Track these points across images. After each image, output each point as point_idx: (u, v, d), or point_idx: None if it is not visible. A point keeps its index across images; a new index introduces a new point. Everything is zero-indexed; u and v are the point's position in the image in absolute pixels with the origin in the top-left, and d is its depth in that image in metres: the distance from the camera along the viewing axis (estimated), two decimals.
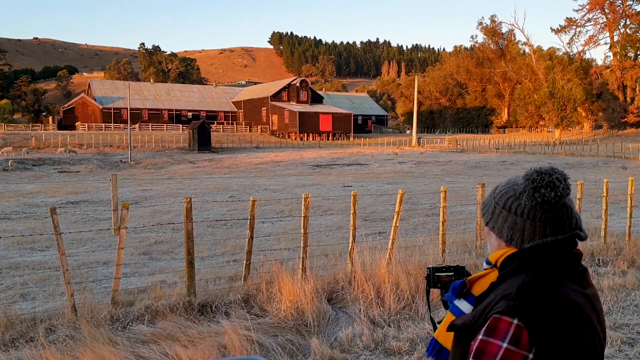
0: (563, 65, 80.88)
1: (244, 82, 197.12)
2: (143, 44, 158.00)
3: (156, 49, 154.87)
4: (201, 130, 57.57)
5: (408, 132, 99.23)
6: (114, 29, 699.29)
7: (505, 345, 1.19)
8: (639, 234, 9.67)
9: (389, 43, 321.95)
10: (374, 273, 6.23)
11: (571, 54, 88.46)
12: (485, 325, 1.24)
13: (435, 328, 1.74)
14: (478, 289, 1.45)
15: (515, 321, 1.21)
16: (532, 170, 1.38)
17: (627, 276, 6.95)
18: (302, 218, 6.87)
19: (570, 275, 1.34)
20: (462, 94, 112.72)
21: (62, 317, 5.46)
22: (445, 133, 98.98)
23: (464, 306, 1.44)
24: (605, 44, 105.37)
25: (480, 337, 1.24)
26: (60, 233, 5.79)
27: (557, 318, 1.22)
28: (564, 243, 1.35)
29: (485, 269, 1.49)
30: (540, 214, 1.34)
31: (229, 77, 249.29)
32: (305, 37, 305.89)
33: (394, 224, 7.48)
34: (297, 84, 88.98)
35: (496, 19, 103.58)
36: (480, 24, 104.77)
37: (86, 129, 77.26)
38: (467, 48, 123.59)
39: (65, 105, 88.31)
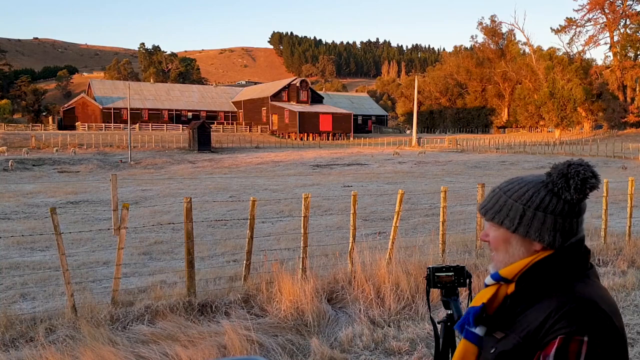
0: (563, 65, 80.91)
1: (244, 82, 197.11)
2: (143, 44, 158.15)
3: (156, 49, 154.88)
4: (201, 130, 57.57)
5: (408, 132, 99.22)
6: (114, 29, 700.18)
7: None
8: (639, 234, 9.67)
9: (389, 43, 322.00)
10: (374, 273, 6.23)
11: (571, 54, 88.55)
12: (554, 348, 1.16)
13: (435, 328, 1.74)
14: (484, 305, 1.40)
15: (586, 338, 1.15)
16: (567, 162, 1.34)
17: (627, 276, 6.95)
18: (302, 218, 6.87)
19: (591, 271, 1.34)
20: (462, 94, 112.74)
21: (62, 317, 5.46)
22: (445, 133, 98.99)
23: (480, 330, 1.36)
24: (605, 44, 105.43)
25: None
26: (60, 233, 5.79)
27: (616, 326, 1.21)
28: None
29: (488, 285, 1.39)
30: (578, 209, 1.32)
31: (229, 77, 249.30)
32: (305, 37, 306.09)
33: (394, 224, 7.48)
34: (297, 84, 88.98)
35: (496, 19, 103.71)
36: (480, 24, 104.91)
37: (86, 129, 77.26)
38: (467, 48, 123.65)
39: (65, 105, 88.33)
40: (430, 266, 1.73)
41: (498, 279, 1.36)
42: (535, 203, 1.30)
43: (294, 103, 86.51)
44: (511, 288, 1.34)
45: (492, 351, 1.28)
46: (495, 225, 1.36)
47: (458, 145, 61.44)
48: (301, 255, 6.78)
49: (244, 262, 6.74)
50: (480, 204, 1.42)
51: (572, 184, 1.29)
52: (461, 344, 1.38)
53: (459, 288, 1.72)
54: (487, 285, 1.40)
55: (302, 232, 6.85)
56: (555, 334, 1.18)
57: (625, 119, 77.72)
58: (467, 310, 1.38)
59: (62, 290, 6.70)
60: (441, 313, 4.26)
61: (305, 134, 79.87)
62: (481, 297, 1.38)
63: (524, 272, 1.31)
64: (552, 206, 1.30)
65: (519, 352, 1.23)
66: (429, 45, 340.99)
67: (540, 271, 1.30)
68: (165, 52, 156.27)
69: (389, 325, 5.40)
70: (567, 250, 1.30)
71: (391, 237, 7.41)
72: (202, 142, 57.08)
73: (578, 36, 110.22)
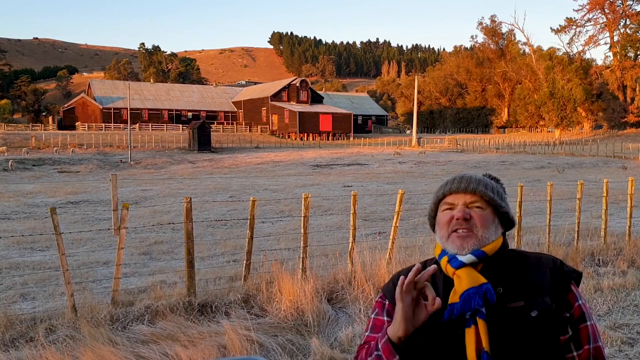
0: (563, 65, 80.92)
1: (244, 82, 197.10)
2: (143, 44, 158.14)
3: (156, 49, 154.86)
4: (201, 130, 57.56)
5: (408, 132, 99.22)
6: (114, 29, 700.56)
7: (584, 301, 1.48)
8: (639, 234, 9.66)
9: (389, 43, 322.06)
10: (374, 273, 6.23)
11: (571, 54, 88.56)
12: (576, 293, 1.45)
13: None
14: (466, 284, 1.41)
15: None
16: (486, 172, 1.66)
17: (627, 276, 6.94)
18: (302, 218, 6.87)
19: None
20: (462, 94, 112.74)
21: (62, 317, 5.45)
22: (445, 133, 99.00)
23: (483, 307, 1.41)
24: (605, 44, 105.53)
25: (579, 302, 1.44)
26: (60, 233, 5.79)
27: None
28: None
29: (466, 264, 1.42)
30: None
31: (229, 77, 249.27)
32: (305, 37, 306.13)
33: (394, 224, 7.48)
34: (297, 84, 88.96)
35: (496, 19, 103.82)
36: (480, 24, 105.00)
37: (86, 129, 77.27)
38: (467, 48, 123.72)
39: (65, 105, 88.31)
40: None
41: (482, 255, 1.43)
42: (503, 192, 1.56)
43: (294, 103, 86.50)
44: (478, 267, 1.45)
45: (533, 314, 1.38)
46: (483, 203, 1.47)
47: (458, 145, 61.44)
48: (301, 255, 6.78)
49: (244, 262, 6.74)
50: (464, 184, 1.49)
51: (504, 188, 1.60)
52: (480, 324, 1.37)
53: None
54: (464, 264, 1.42)
55: (302, 232, 6.84)
56: (566, 282, 1.44)
57: (625, 119, 77.73)
58: (468, 293, 1.38)
59: (62, 290, 6.70)
60: None
61: (305, 134, 79.86)
62: (476, 277, 1.40)
63: (501, 247, 1.48)
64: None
65: (551, 307, 1.40)
66: (429, 45, 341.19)
67: (506, 245, 1.51)
68: (165, 52, 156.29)
69: None
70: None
71: (391, 237, 7.41)
72: (202, 142, 57.07)
73: (578, 36, 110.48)
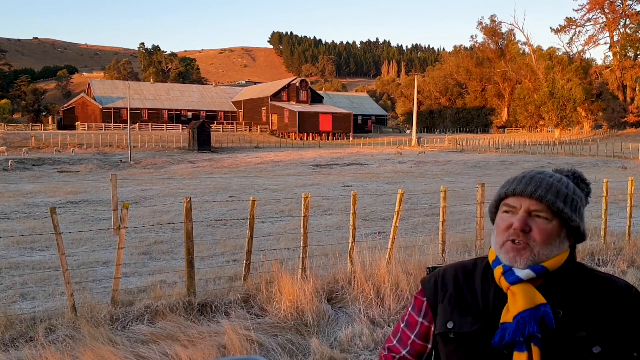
0: (563, 65, 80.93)
1: (244, 82, 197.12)
2: (143, 44, 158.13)
3: (156, 49, 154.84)
4: (201, 130, 57.56)
5: (408, 132, 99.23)
6: (114, 29, 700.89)
7: None
8: (639, 234, 9.66)
9: (389, 43, 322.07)
10: (374, 273, 6.23)
11: (571, 54, 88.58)
12: None
13: None
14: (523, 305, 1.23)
15: None
16: (574, 169, 1.43)
17: (627, 276, 6.94)
18: (302, 218, 6.87)
19: None
20: (462, 94, 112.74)
21: (62, 317, 5.45)
22: (445, 133, 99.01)
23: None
24: (605, 44, 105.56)
25: None
26: (60, 233, 5.78)
27: None
28: None
29: (524, 280, 1.25)
30: None
31: (229, 77, 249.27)
32: (305, 37, 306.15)
33: (394, 224, 7.48)
34: (297, 84, 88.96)
35: (496, 19, 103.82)
36: (480, 24, 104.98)
37: (86, 129, 77.28)
38: (467, 48, 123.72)
39: (65, 105, 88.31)
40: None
41: (542, 271, 1.25)
42: (583, 200, 1.36)
43: (294, 103, 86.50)
44: (538, 282, 1.28)
45: (595, 350, 1.20)
46: (549, 214, 1.27)
47: (458, 145, 61.44)
48: (301, 255, 6.78)
49: (244, 262, 6.74)
50: (532, 188, 1.28)
51: (590, 191, 1.38)
52: (534, 352, 1.21)
53: None
54: (521, 280, 1.25)
55: (302, 232, 6.84)
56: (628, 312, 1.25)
57: (625, 119, 77.74)
58: (523, 316, 1.21)
59: (62, 290, 6.70)
60: None
61: (305, 134, 79.87)
62: (532, 297, 1.23)
63: (566, 262, 1.30)
64: (584, 203, 1.37)
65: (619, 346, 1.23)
66: (429, 45, 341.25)
67: (574, 260, 1.33)
68: (165, 52, 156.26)
69: (389, 325, 5.40)
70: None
71: (391, 237, 7.40)
72: (202, 142, 57.08)
73: (578, 36, 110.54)
